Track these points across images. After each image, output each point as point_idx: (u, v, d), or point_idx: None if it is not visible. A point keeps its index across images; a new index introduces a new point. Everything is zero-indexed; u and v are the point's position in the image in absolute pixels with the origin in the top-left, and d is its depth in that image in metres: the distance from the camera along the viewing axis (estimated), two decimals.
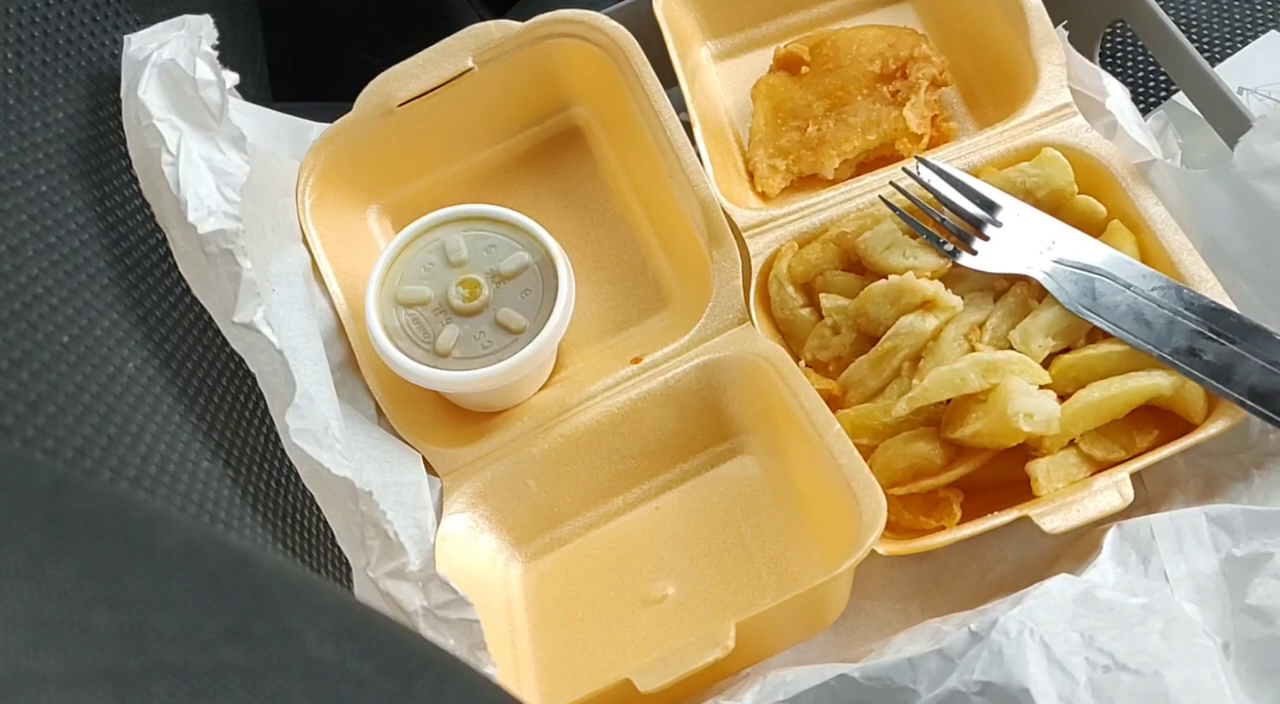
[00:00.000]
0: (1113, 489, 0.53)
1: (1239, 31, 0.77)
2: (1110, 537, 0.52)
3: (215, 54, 0.56)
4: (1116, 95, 0.65)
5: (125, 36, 0.58)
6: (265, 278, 0.56)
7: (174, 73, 0.55)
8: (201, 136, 0.55)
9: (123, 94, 0.56)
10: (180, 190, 0.52)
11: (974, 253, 0.59)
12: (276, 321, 0.53)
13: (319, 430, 0.50)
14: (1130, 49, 0.77)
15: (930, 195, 0.61)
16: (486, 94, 0.67)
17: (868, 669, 0.48)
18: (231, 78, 0.56)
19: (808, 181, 0.68)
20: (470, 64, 0.66)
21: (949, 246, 0.59)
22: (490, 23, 0.66)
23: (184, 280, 0.55)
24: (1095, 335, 0.58)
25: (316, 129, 0.69)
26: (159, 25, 0.58)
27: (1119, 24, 0.72)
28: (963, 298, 0.58)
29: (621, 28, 0.65)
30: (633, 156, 0.68)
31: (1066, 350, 0.58)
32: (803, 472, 0.58)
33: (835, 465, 0.54)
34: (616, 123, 0.68)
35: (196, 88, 0.54)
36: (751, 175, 0.68)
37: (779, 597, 0.52)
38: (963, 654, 0.46)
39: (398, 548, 0.48)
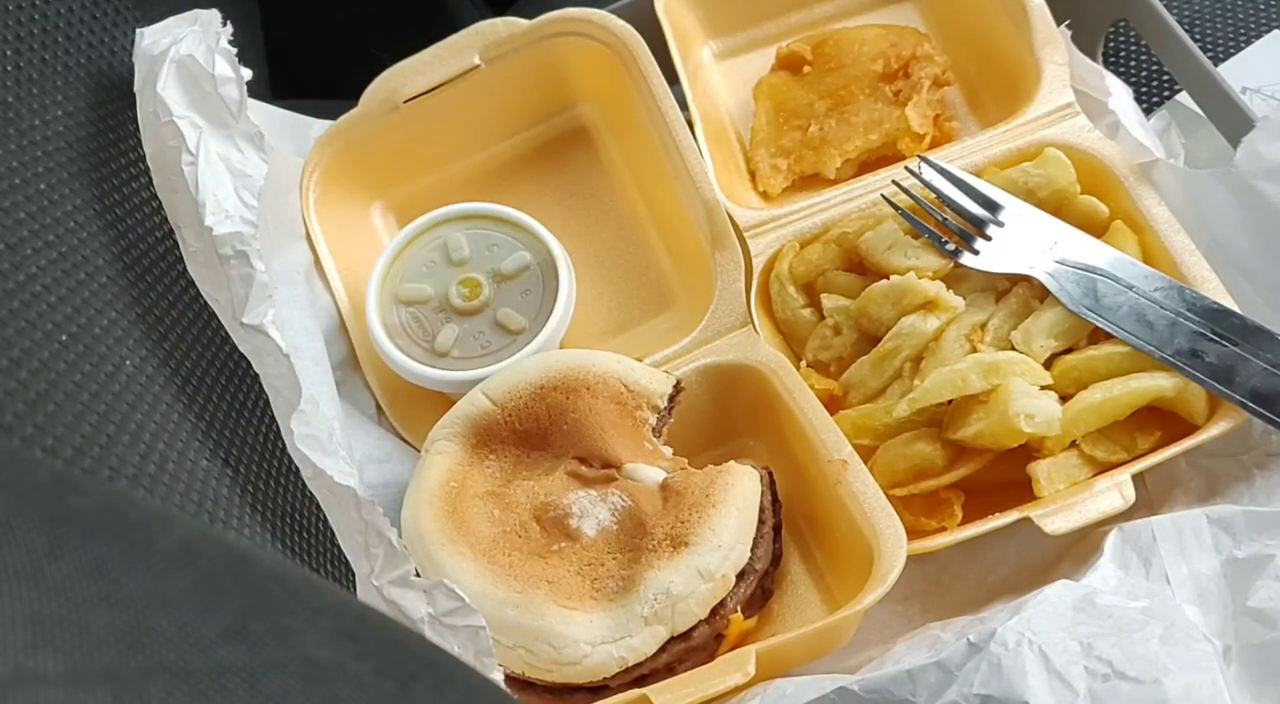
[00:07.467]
0: (1114, 490, 0.53)
1: (1242, 31, 0.77)
2: (1111, 539, 0.52)
3: (234, 50, 0.55)
4: (1119, 95, 0.64)
5: (138, 30, 0.57)
6: (269, 276, 0.56)
7: (192, 68, 0.55)
8: (220, 135, 0.54)
9: (137, 88, 0.56)
10: (199, 192, 0.52)
11: (976, 252, 0.59)
12: (280, 321, 0.53)
13: (323, 436, 0.50)
14: (1133, 48, 0.77)
15: (932, 195, 0.60)
16: (493, 91, 0.67)
17: (867, 682, 0.47)
18: (248, 74, 0.56)
19: (809, 181, 0.68)
20: (477, 61, 0.65)
21: (951, 246, 0.59)
22: (497, 20, 0.66)
23: (184, 278, 0.55)
24: (1097, 336, 0.58)
25: (317, 126, 0.68)
26: (170, 20, 0.58)
27: (1122, 23, 0.72)
28: (964, 298, 0.58)
29: (629, 27, 0.65)
30: (638, 156, 0.67)
31: (1068, 351, 0.57)
32: (808, 487, 0.58)
33: (852, 497, 0.54)
34: (622, 122, 0.68)
35: (215, 84, 0.54)
36: (753, 175, 0.68)
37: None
38: (961, 666, 0.46)
39: (401, 556, 0.48)
